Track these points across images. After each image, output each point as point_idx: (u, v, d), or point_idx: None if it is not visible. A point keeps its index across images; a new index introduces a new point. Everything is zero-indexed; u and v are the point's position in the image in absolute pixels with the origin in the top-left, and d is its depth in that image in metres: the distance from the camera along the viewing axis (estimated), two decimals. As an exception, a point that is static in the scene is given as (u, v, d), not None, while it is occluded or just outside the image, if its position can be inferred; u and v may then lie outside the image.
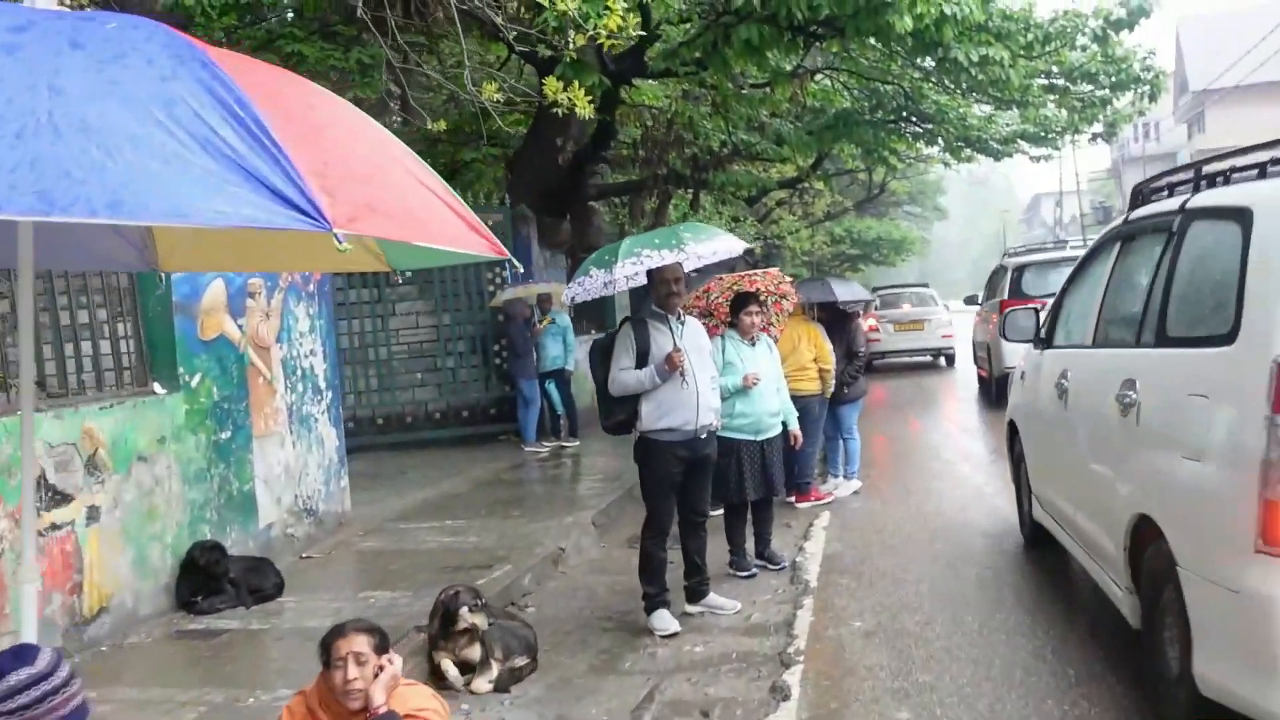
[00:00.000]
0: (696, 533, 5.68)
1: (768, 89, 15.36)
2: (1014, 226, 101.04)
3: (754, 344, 6.40)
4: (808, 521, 7.77)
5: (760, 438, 6.35)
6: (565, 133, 15.85)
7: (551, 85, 7.13)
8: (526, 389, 12.00)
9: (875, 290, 25.25)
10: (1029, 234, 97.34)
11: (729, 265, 9.86)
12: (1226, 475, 3.18)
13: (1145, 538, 3.75)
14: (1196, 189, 4.16)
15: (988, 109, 19.94)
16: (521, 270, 3.16)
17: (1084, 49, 15.01)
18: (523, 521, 7.94)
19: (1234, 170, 4.00)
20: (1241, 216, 3.45)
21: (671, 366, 5.26)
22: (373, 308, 12.78)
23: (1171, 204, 4.27)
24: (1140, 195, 4.98)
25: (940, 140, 19.90)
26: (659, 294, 5.40)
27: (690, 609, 5.71)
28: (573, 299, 5.46)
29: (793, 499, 8.46)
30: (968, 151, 20.91)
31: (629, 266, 4.99)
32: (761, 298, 6.72)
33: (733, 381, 6.26)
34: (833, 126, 18.71)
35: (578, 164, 16.68)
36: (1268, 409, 3.00)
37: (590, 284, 5.34)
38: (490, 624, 4.69)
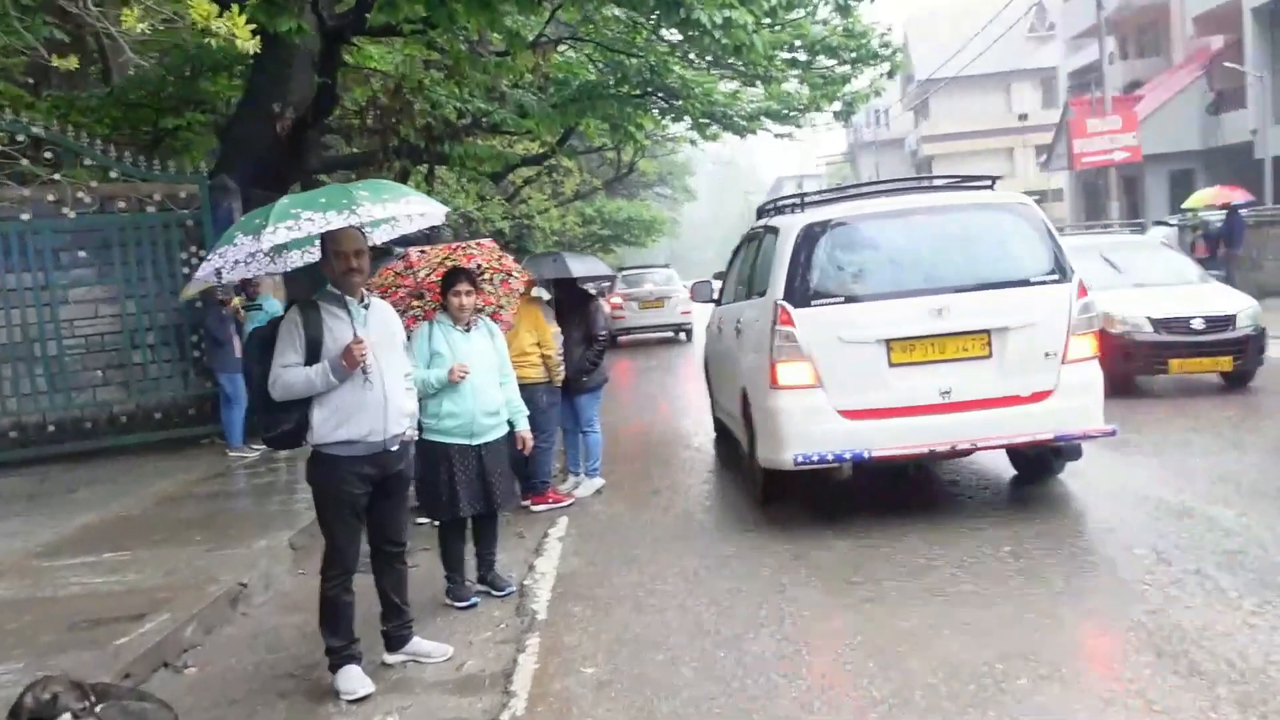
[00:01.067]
0: (392, 566, 4.59)
1: (508, 56, 14.30)
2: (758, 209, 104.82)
3: (469, 329, 5.34)
4: (543, 530, 6.82)
5: (476, 442, 5.31)
6: (284, 97, 14.18)
7: (201, 7, 5.73)
8: (228, 385, 10.42)
9: (621, 270, 26.89)
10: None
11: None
12: (764, 356, 6.45)
13: (746, 399, 7.00)
14: (779, 213, 7.66)
15: (733, 85, 19.72)
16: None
17: (825, 23, 14.84)
18: (202, 549, 6.55)
19: (803, 202, 7.36)
20: (775, 231, 6.99)
21: (350, 362, 4.14)
22: (37, 294, 10.76)
23: (761, 222, 8.06)
24: (760, 212, 8.51)
25: (686, 116, 19.47)
26: (334, 270, 4.26)
27: (389, 659, 4.63)
28: (217, 275, 4.20)
29: (528, 502, 7.51)
30: (713, 129, 20.64)
31: (282, 233, 3.80)
32: (485, 274, 5.67)
33: (438, 375, 5.18)
34: (577, 100, 17.86)
35: (298, 132, 14.98)
36: (771, 325, 6.35)
37: (233, 254, 4.11)
38: (97, 725, 3.41)
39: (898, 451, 6.13)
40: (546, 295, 7.90)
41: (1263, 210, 19.12)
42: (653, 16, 13.88)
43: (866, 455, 6.06)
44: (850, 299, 6.28)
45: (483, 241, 5.56)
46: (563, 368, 7.50)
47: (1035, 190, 50.63)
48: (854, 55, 15.10)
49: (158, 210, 11.26)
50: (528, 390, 7.15)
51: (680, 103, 18.45)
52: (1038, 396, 6.12)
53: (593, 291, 8.21)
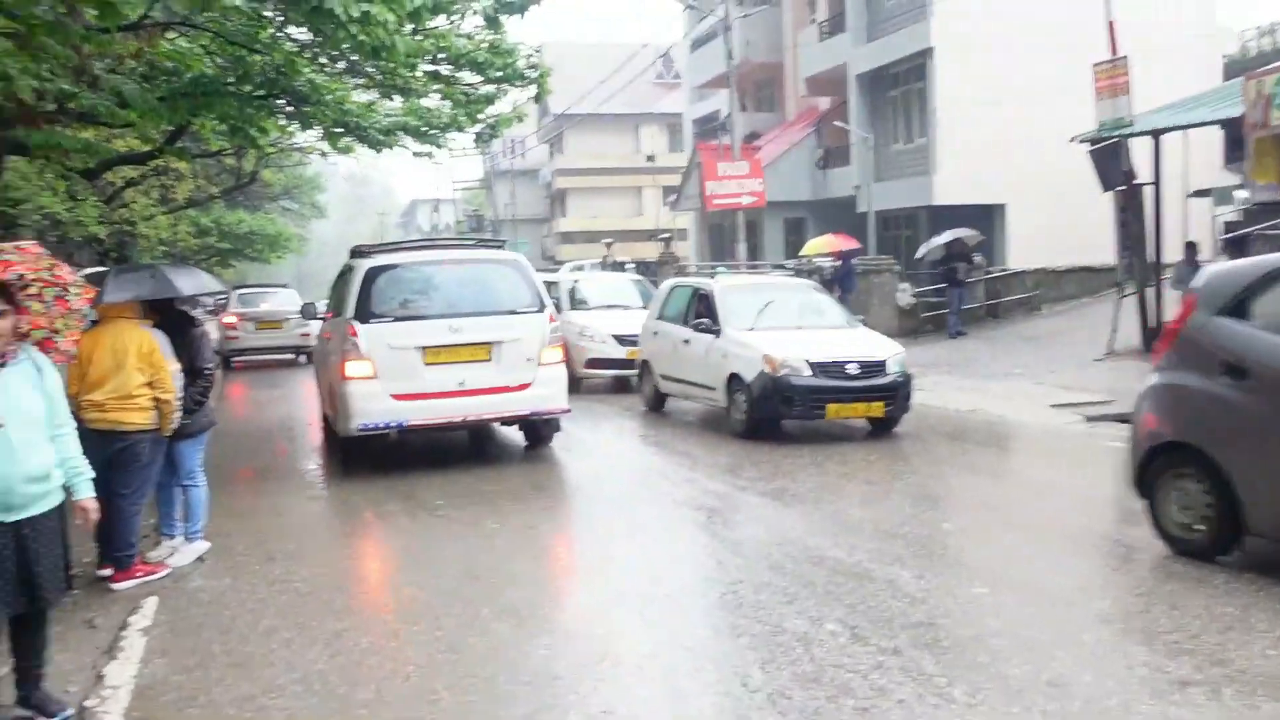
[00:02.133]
0: None
1: (105, 34, 12.17)
2: (390, 229, 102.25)
3: (2, 365, 3.89)
4: (122, 617, 5.33)
5: (14, 517, 3.87)
6: None
7: None
8: None
9: (236, 289, 25.67)
10: (405, 236, 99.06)
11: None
12: (339, 357, 8.99)
13: (331, 389, 9.33)
14: (358, 256, 9.92)
15: (370, 96, 18.37)
16: None
17: (470, 37, 14.04)
18: None
19: (372, 249, 10.03)
20: (352, 269, 9.61)
21: None
22: None
23: (347, 262, 10.34)
24: (352, 253, 10.35)
25: (316, 123, 17.86)
26: None
27: None
28: None
29: (108, 575, 5.95)
30: (346, 140, 19.10)
31: None
32: (30, 289, 4.20)
33: (-44, 430, 3.72)
34: (189, 94, 15.73)
35: None
36: (344, 335, 9.06)
37: None
38: None
39: (431, 421, 9.05)
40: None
41: (867, 260, 20.71)
42: (280, 4, 12.40)
43: (406, 424, 8.92)
44: (398, 319, 9.06)
45: (25, 245, 4.09)
46: (179, 415, 6.04)
47: (662, 229, 53.18)
48: (500, 74, 14.40)
49: None
50: (129, 440, 5.73)
51: (309, 108, 16.85)
52: (522, 386, 9.13)
53: (195, 314, 6.73)
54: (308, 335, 21.24)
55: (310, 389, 15.43)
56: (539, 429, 9.81)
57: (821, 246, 21.20)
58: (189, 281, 6.27)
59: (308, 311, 11.31)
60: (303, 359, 22.11)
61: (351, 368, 8.79)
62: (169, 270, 6.12)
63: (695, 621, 5.11)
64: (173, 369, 5.95)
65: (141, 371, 5.84)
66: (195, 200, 33.67)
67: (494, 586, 5.58)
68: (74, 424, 4.17)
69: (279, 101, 16.72)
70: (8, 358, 3.91)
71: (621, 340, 13.21)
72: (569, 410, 9.57)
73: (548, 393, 9.23)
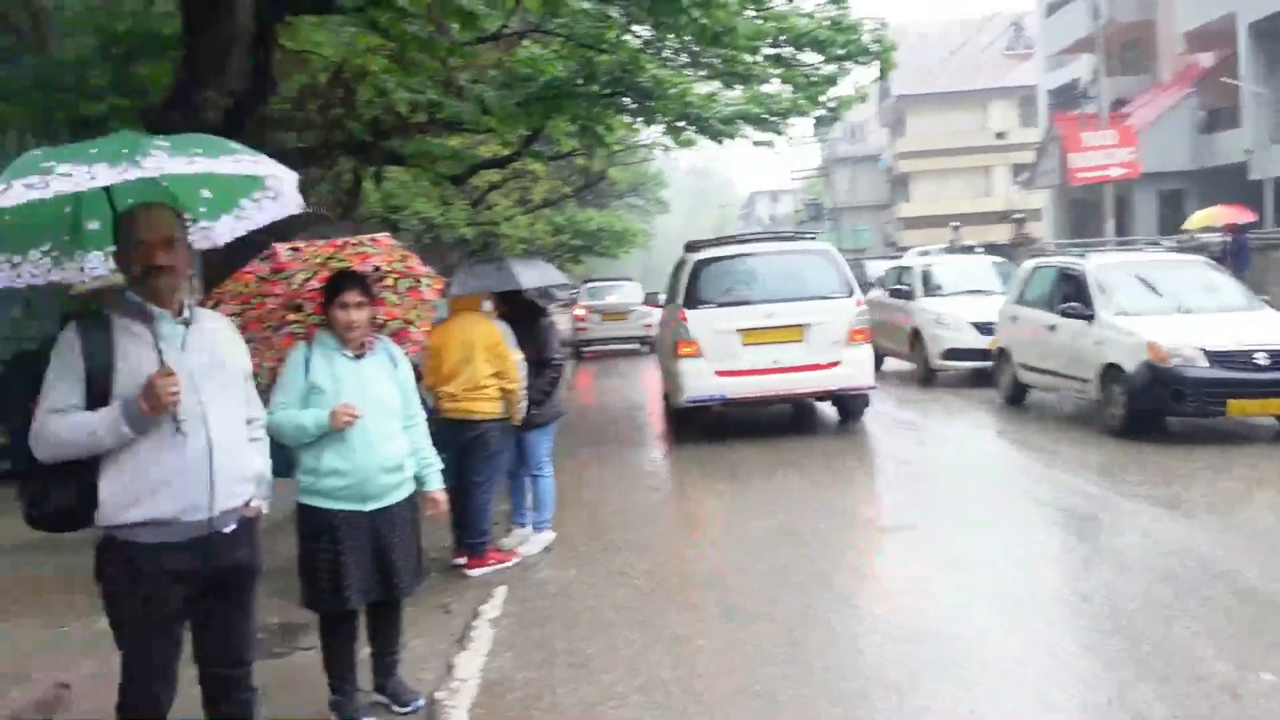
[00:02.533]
0: (228, 697, 3.17)
1: (466, 47, 12.96)
2: (732, 222, 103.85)
3: (361, 354, 3.94)
4: (475, 605, 5.41)
5: (370, 507, 3.91)
6: (219, 82, 12.75)
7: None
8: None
9: (585, 283, 27.31)
10: (746, 229, 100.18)
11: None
12: (672, 339, 10.40)
13: (664, 367, 11.28)
14: (689, 250, 11.20)
15: (710, 87, 18.35)
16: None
17: (811, 16, 13.56)
18: (28, 625, 5.08)
19: (700, 244, 11.21)
20: (685, 262, 10.91)
21: (153, 404, 2.75)
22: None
23: (680, 256, 11.61)
24: (689, 246, 11.46)
25: (659, 118, 18.08)
26: (131, 266, 2.86)
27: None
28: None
29: (463, 563, 6.11)
30: (687, 134, 19.22)
31: (16, 191, 2.40)
32: (385, 280, 4.26)
33: (316, 418, 3.79)
34: (543, 98, 16.45)
35: (233, 122, 13.48)
36: (676, 319, 10.34)
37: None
38: None
39: (749, 395, 10.08)
40: (487, 306, 6.52)
41: (1265, 233, 18.06)
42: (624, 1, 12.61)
43: (727, 397, 10.01)
44: (720, 305, 10.18)
45: (379, 237, 4.12)
46: (524, 404, 6.11)
47: (1015, 210, 49.94)
48: (842, 52, 13.80)
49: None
50: (479, 429, 5.84)
51: (653, 104, 17.09)
52: (831, 365, 9.90)
53: (544, 305, 6.80)
54: (650, 326, 21.84)
55: (651, 378, 15.95)
56: (848, 404, 10.62)
57: (1209, 219, 18.72)
58: (533, 273, 6.31)
59: (650, 300, 12.30)
60: (645, 349, 22.33)
61: (682, 348, 10.04)
62: (514, 263, 6.18)
63: (1064, 629, 4.48)
64: (516, 359, 5.99)
65: (489, 363, 5.92)
66: (550, 200, 35.68)
67: (836, 582, 5.15)
68: (424, 415, 4.18)
69: (624, 99, 17.11)
70: (366, 349, 3.96)
71: (982, 329, 12.13)
72: (874, 387, 10.44)
73: (854, 371, 10.01)
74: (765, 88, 17.47)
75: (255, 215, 3.10)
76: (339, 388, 3.84)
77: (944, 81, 51.95)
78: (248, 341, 4.07)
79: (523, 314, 6.42)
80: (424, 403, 6.49)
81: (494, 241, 33.55)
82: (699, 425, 10.51)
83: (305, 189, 11.70)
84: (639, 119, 19.03)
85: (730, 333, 9.88)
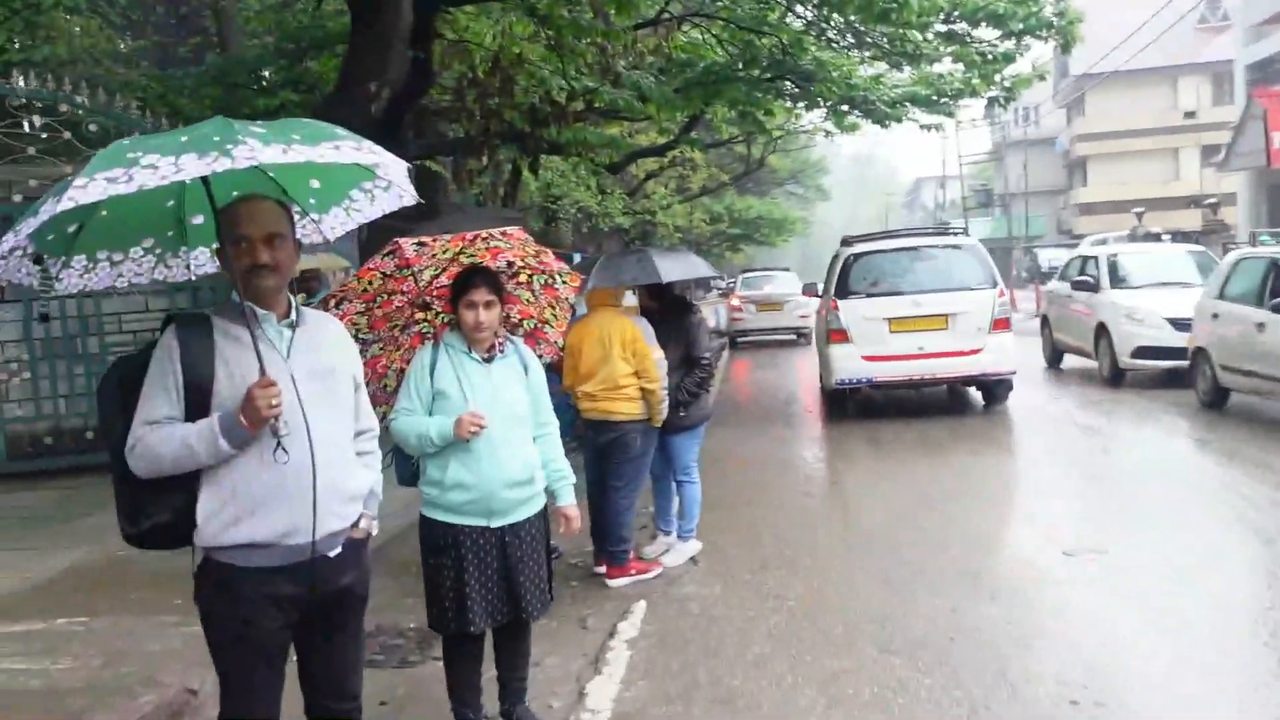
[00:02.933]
0: (342, 735, 2.91)
1: (626, 31, 12.68)
2: (895, 210, 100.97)
3: (490, 357, 3.64)
4: (613, 620, 5.07)
5: (497, 524, 3.61)
6: (381, 75, 12.92)
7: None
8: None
9: (742, 272, 27.00)
10: (910, 217, 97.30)
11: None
12: (824, 326, 11.37)
13: (819, 352, 12.15)
14: (843, 245, 11.88)
15: (876, 69, 17.56)
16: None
17: (989, -14, 12.74)
18: (170, 623, 5.03)
19: (853, 239, 12.00)
20: (837, 256, 11.67)
21: (253, 419, 2.49)
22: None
23: (835, 251, 12.21)
24: (844, 241, 12.05)
25: (822, 101, 17.40)
26: (233, 264, 2.61)
27: None
28: None
29: (602, 571, 5.80)
30: (851, 118, 18.48)
31: (96, 188, 2.15)
32: (516, 275, 3.95)
33: (440, 428, 3.50)
34: (702, 83, 16.05)
35: (394, 114, 13.63)
36: (828, 308, 11.31)
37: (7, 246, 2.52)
38: None
39: (894, 379, 10.85)
40: (631, 302, 6.16)
41: None
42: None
43: (874, 379, 10.81)
44: (869, 295, 10.91)
45: (511, 231, 3.79)
46: (666, 404, 5.75)
47: (1207, 195, 46.55)
48: (1021, 26, 12.85)
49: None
50: (619, 430, 5.54)
51: (815, 86, 16.44)
52: (974, 351, 10.48)
53: (704, 296, 6.37)
54: (806, 317, 21.68)
55: (806, 369, 15.83)
56: (992, 389, 11.14)
57: None
58: (677, 265, 5.86)
59: (809, 290, 13.62)
60: (802, 340, 22.01)
61: (834, 335, 10.94)
62: (656, 255, 5.75)
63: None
64: (656, 357, 5.62)
65: (627, 361, 5.58)
66: (708, 188, 35.30)
67: (1013, 621, 4.57)
68: (557, 423, 3.85)
69: (785, 82, 16.54)
70: (496, 351, 3.65)
71: (1178, 325, 11.00)
72: (1015, 372, 10.84)
73: (996, 357, 10.55)
74: (935, 68, 16.61)
75: (366, 207, 2.81)
76: (466, 393, 3.54)
77: (1128, 58, 48.84)
78: (373, 341, 3.85)
79: (670, 309, 6.05)
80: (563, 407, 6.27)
81: (651, 230, 33.42)
82: (859, 429, 10.15)
83: (467, 178, 11.62)
84: (800, 103, 18.42)
85: (878, 320, 10.72)
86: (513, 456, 3.59)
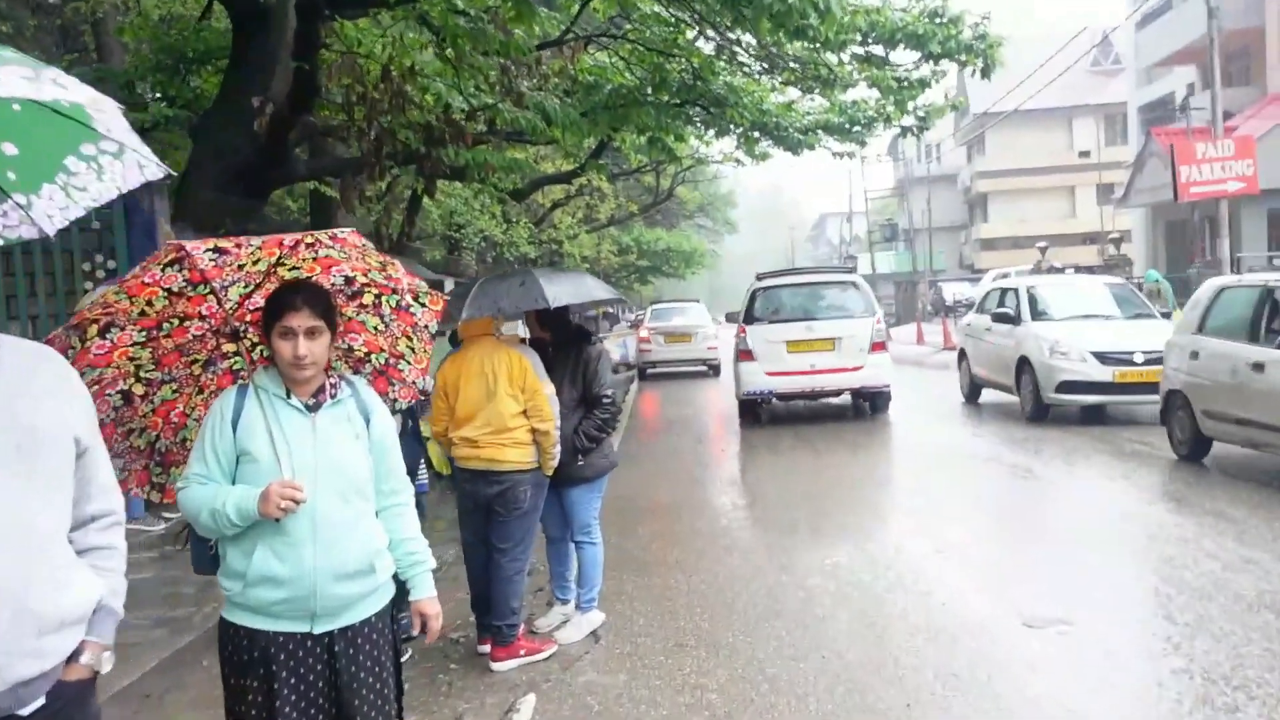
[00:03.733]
0: None
1: (529, 49, 11.87)
2: (801, 244, 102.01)
3: (315, 406, 2.71)
4: (495, 719, 4.14)
5: (323, 628, 2.67)
6: (265, 89, 11.88)
7: None
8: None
9: (652, 304, 27.65)
10: (815, 251, 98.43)
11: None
12: (735, 348, 13.59)
13: (734, 369, 14.07)
14: (756, 280, 14.14)
15: (787, 96, 17.07)
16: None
17: (906, 10, 12.26)
18: None
19: (761, 276, 14.30)
20: (749, 289, 14.17)
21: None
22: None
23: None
24: (758, 276, 14.20)
25: (733, 127, 16.83)
26: None
27: None
28: None
29: (486, 650, 4.88)
30: (763, 145, 17.96)
31: None
32: (359, 294, 3.01)
33: (241, 503, 2.57)
34: (609, 107, 15.32)
35: (279, 131, 12.55)
36: (738, 333, 13.53)
37: None
38: None
39: (791, 390, 12.95)
40: (523, 333, 5.29)
41: None
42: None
43: (774, 391, 12.90)
44: (771, 321, 13.09)
45: (342, 234, 2.83)
46: (558, 449, 4.88)
47: (1101, 231, 47.58)
48: (939, 49, 12.38)
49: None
50: (508, 481, 4.66)
51: (727, 112, 15.85)
52: (856, 368, 12.54)
53: (592, 329, 5.47)
54: (714, 349, 22.38)
55: (719, 403, 16.05)
56: (874, 399, 13.33)
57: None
58: (567, 288, 4.90)
59: (731, 318, 15.53)
60: (710, 372, 22.38)
61: (742, 354, 13.10)
62: (543, 276, 4.83)
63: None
64: (548, 393, 4.76)
65: (515, 399, 4.71)
66: (616, 219, 34.61)
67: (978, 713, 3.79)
68: (410, 489, 2.94)
69: (695, 108, 15.94)
70: (324, 395, 2.73)
71: (1104, 359, 10.57)
72: (889, 385, 12.89)
73: (875, 373, 12.70)
74: (849, 95, 16.19)
75: (94, 184, 1.88)
76: (279, 454, 2.62)
77: (1026, 99, 49.95)
78: (164, 381, 2.90)
79: (564, 340, 5.18)
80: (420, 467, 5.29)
81: (558, 260, 32.54)
82: (776, 465, 9.21)
83: (355, 199, 10.42)
84: (711, 130, 17.84)
85: (778, 342, 12.85)
86: (344, 539, 2.67)
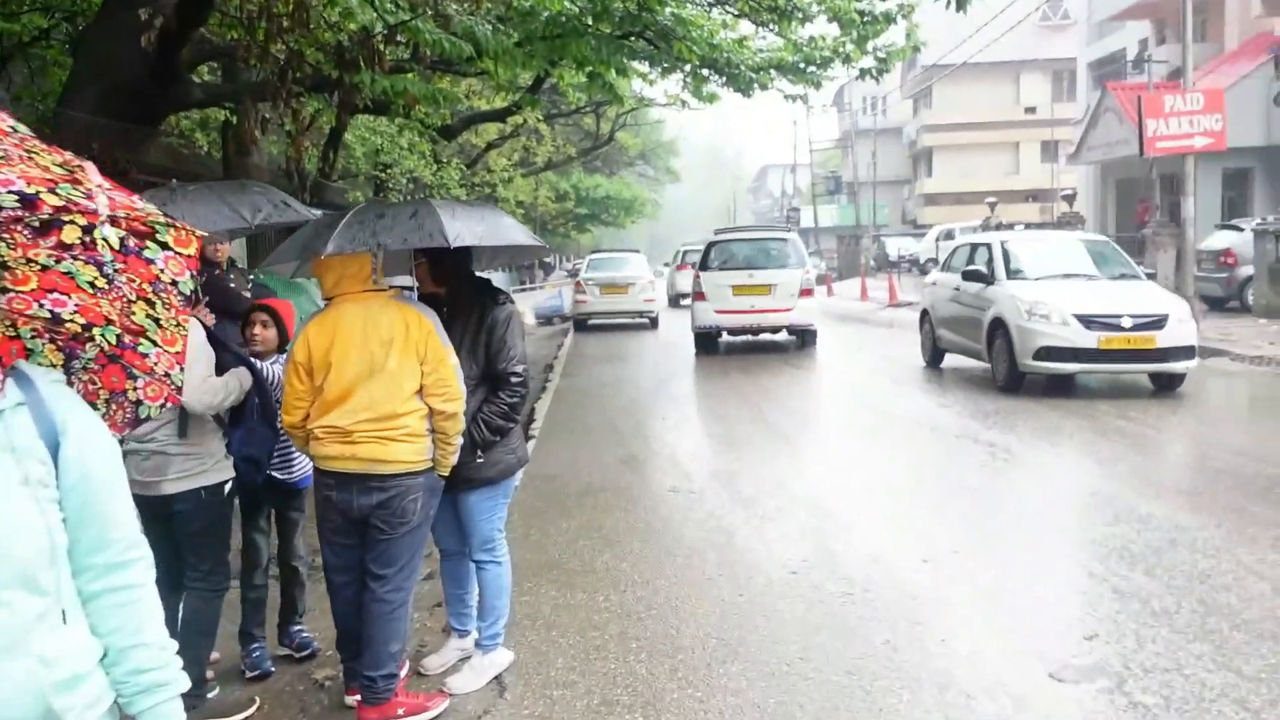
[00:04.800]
0: None
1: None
2: (742, 195, 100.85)
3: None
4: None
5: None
6: (154, 2, 10.32)
7: None
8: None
9: (591, 253, 26.96)
10: (756, 204, 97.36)
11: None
12: (692, 289, 17.93)
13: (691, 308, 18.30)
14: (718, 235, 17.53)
15: (738, 33, 15.76)
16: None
17: (876, -70, 11.04)
18: None
19: (716, 231, 18.27)
20: (705, 242, 18.24)
21: None
22: None
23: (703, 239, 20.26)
24: (715, 232, 18.26)
25: (681, 63, 15.47)
26: None
27: None
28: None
29: (353, 703, 3.70)
30: (711, 87, 16.67)
31: None
32: (53, 223, 1.72)
33: None
34: (546, 37, 13.85)
35: (169, 48, 10.95)
36: (695, 278, 16.61)
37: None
38: None
39: (735, 326, 15.66)
40: (409, 283, 4.02)
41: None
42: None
43: (721, 326, 15.65)
44: (719, 268, 15.79)
45: (20, 137, 1.53)
46: (460, 440, 3.66)
47: (1043, 189, 47.05)
48: (913, -22, 11.20)
49: None
50: (393, 488, 3.46)
51: (674, 45, 14.49)
52: (787, 309, 15.37)
53: (499, 287, 4.18)
54: (652, 300, 21.97)
55: (658, 358, 16.33)
56: (802, 335, 15.99)
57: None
58: (473, 226, 3.62)
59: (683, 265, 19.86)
60: (647, 323, 21.90)
61: (696, 296, 15.77)
62: (443, 208, 3.58)
63: None
64: (451, 363, 3.55)
65: (412, 375, 3.49)
66: (554, 162, 33.09)
67: None
68: (146, 556, 1.71)
69: (640, 41, 14.59)
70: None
71: (1088, 323, 9.53)
72: (813, 324, 15.70)
73: (802, 315, 15.44)
74: (806, 30, 14.99)
75: None
76: None
77: (974, 53, 49.04)
78: None
79: (463, 296, 3.93)
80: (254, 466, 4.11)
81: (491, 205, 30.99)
82: (735, 466, 7.80)
83: (256, 129, 8.80)
84: (656, 68, 16.48)
85: (726, 286, 15.41)
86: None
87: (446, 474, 3.70)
